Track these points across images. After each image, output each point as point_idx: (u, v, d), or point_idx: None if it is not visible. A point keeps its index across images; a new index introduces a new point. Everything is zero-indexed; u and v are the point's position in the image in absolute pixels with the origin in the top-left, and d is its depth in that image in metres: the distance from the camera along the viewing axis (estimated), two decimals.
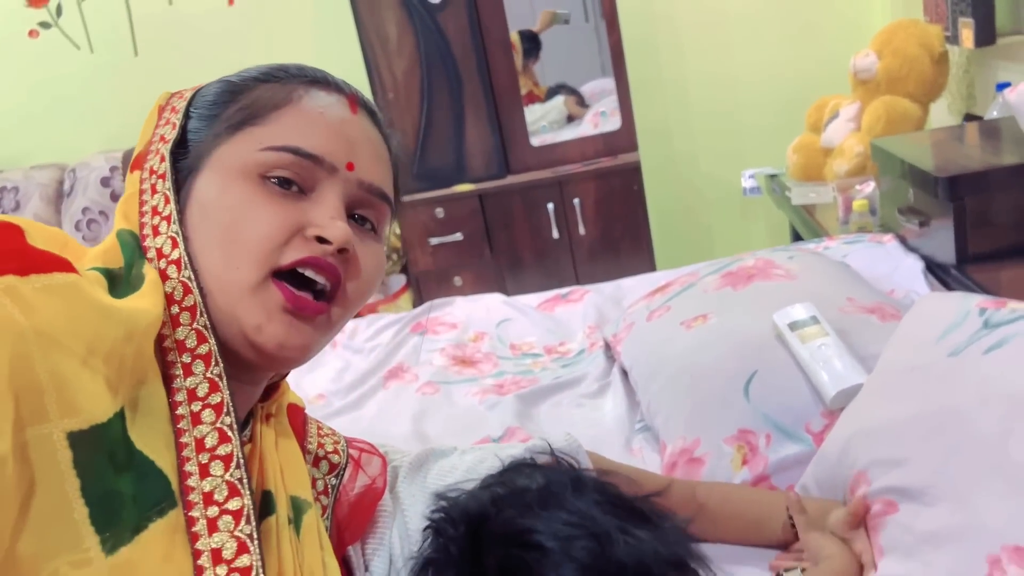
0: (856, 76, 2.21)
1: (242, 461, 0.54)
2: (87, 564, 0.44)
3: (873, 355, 0.96)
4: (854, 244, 1.58)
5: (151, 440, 0.51)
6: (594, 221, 2.69)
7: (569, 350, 1.52)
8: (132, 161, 0.64)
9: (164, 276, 0.57)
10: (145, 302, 0.54)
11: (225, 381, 0.56)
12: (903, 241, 1.55)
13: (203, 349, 0.56)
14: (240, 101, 0.62)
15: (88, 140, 3.06)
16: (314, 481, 0.70)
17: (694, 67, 2.89)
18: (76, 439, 0.45)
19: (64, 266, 0.49)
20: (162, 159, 0.61)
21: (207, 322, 0.56)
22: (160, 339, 0.56)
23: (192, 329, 0.56)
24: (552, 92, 2.90)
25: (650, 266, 2.65)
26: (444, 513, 0.66)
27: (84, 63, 3.01)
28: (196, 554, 0.51)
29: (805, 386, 0.97)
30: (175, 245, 0.58)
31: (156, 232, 0.59)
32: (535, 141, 2.76)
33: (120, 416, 0.48)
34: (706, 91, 2.90)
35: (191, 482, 0.53)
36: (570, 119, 2.84)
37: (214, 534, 0.52)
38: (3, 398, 0.42)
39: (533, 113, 2.79)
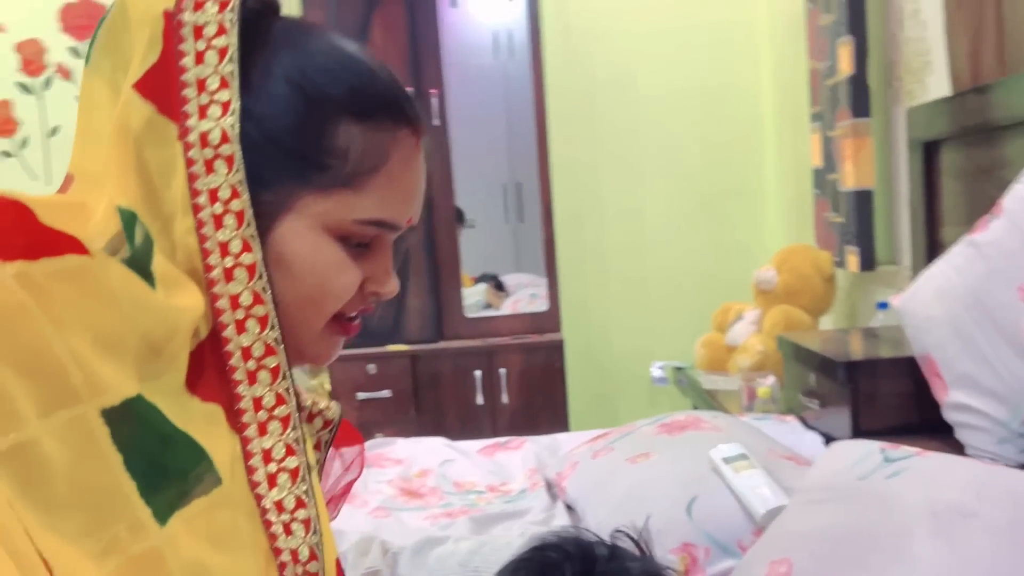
0: (758, 287, 2.55)
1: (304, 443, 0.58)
2: (143, 532, 0.46)
3: (793, 488, 1.15)
4: (761, 421, 1.81)
5: (186, 415, 0.52)
6: (517, 391, 2.87)
7: (511, 489, 1.65)
8: (138, 82, 0.57)
9: (226, 276, 0.56)
10: (188, 297, 0.54)
11: (294, 400, 0.58)
12: (803, 421, 1.79)
13: (271, 362, 0.57)
14: (327, 141, 0.59)
15: None
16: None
17: (614, 266, 3.22)
18: (111, 415, 0.46)
19: (75, 246, 0.49)
20: (224, 137, 0.56)
21: (278, 336, 0.57)
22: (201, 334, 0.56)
23: (261, 340, 0.57)
24: (479, 279, 3.17)
25: None
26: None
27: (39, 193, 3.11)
28: (247, 456, 0.56)
29: (738, 509, 1.15)
30: (247, 249, 0.56)
31: (220, 224, 0.56)
32: (468, 313, 2.98)
33: (142, 399, 0.49)
34: (623, 288, 3.22)
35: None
36: (487, 306, 3.10)
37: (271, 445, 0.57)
38: (21, 382, 0.43)
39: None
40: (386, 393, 2.84)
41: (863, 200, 2.22)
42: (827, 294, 2.48)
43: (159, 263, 0.55)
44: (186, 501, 0.49)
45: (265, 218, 0.58)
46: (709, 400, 2.45)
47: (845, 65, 2.22)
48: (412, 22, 2.84)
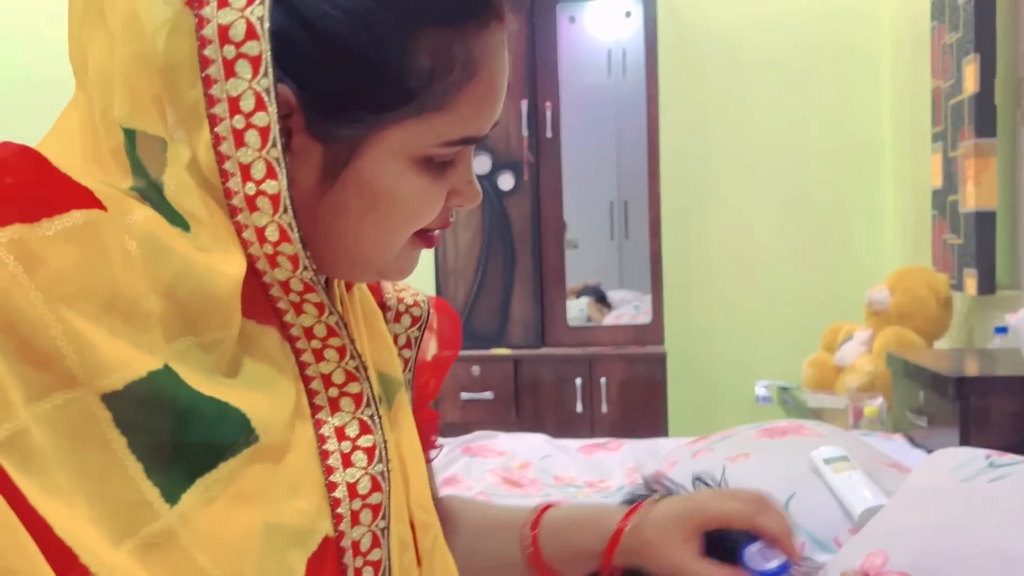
0: (870, 307, 2.51)
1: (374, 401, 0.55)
2: (151, 513, 0.43)
3: (893, 491, 1.15)
4: (867, 436, 1.79)
5: (233, 381, 0.48)
6: (617, 401, 2.89)
7: (609, 486, 1.69)
8: None
9: (248, 205, 0.48)
10: (230, 264, 0.48)
11: (343, 326, 0.54)
12: (910, 439, 1.76)
13: (313, 297, 0.52)
14: (410, 61, 0.50)
15: None
16: (396, 337, 0.66)
17: (721, 282, 3.21)
18: (112, 399, 0.42)
19: (83, 199, 0.43)
20: (250, 32, 0.47)
21: (314, 276, 0.51)
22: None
23: (296, 278, 0.51)
24: (582, 293, 3.21)
25: None
26: None
27: None
28: (306, 380, 0.53)
29: (836, 507, 1.16)
30: (272, 175, 0.48)
31: (241, 141, 0.48)
32: (571, 322, 3.03)
33: (165, 370, 0.44)
34: (729, 305, 3.21)
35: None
36: (589, 320, 3.13)
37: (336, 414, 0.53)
38: (11, 368, 0.39)
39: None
40: (488, 395, 2.92)
41: (984, 222, 2.16)
42: (942, 317, 2.42)
43: (186, 192, 0.48)
44: (205, 470, 0.45)
45: (337, 157, 0.51)
46: (814, 419, 2.42)
47: (970, 83, 2.17)
48: (532, 36, 2.93)
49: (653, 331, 2.97)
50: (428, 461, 0.72)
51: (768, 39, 3.12)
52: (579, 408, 2.89)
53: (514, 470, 1.78)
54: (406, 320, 0.67)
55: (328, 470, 0.52)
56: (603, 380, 2.88)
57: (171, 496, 0.43)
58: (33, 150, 0.44)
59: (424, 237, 0.57)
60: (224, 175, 0.48)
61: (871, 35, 3.09)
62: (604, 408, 2.88)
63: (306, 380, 0.53)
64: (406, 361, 0.67)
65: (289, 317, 0.52)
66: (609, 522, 0.68)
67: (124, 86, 0.48)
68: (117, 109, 0.48)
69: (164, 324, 0.45)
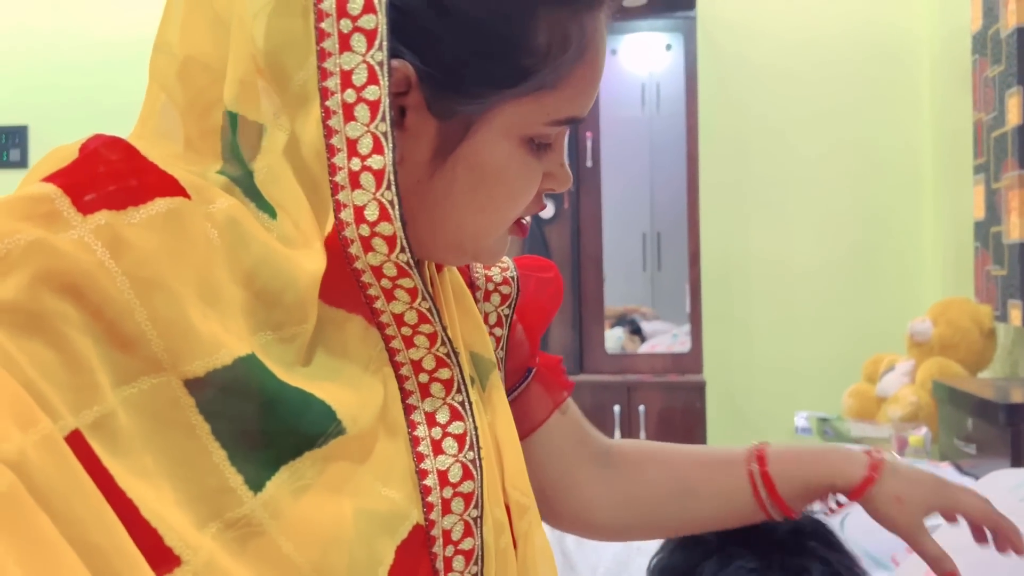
0: (912, 338, 2.50)
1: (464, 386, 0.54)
2: (235, 499, 0.43)
3: None
4: (914, 464, 1.78)
5: (313, 372, 0.48)
6: (655, 430, 2.89)
7: None
8: None
9: (351, 182, 0.48)
10: (310, 259, 0.48)
11: (435, 312, 0.52)
12: (958, 468, 1.75)
13: (407, 283, 0.51)
14: (529, 38, 0.51)
15: None
16: (486, 316, 0.66)
17: (759, 312, 3.22)
18: (195, 385, 0.42)
19: (168, 187, 0.44)
20: (368, 5, 0.47)
21: (410, 259, 0.50)
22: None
23: (391, 262, 0.50)
24: (617, 323, 3.23)
25: None
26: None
27: None
28: (396, 366, 0.53)
29: None
30: (378, 149, 0.48)
31: (350, 115, 0.48)
32: (610, 349, 3.05)
33: (251, 358, 0.44)
34: (768, 335, 3.20)
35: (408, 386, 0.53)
36: (623, 351, 3.14)
37: (426, 399, 0.53)
38: (100, 350, 0.40)
39: None
40: None
41: None
42: (986, 349, 2.41)
43: (276, 179, 0.48)
44: (290, 459, 0.45)
45: (452, 134, 0.51)
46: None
47: (1014, 116, 2.19)
48: None
49: (692, 360, 2.97)
50: (558, 408, 0.75)
51: (808, 71, 3.15)
52: (617, 435, 2.89)
53: None
54: (495, 299, 0.67)
55: (418, 457, 0.52)
56: (641, 408, 2.88)
57: (256, 484, 0.43)
58: (123, 140, 0.45)
59: (518, 224, 0.58)
60: (331, 150, 0.48)
61: (911, 67, 3.11)
62: (643, 436, 2.88)
63: (396, 366, 0.53)
64: (498, 340, 0.67)
65: (380, 304, 0.51)
66: (852, 467, 0.72)
67: (232, 70, 0.48)
68: (226, 92, 0.49)
69: (247, 314, 0.45)
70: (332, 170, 0.48)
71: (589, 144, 3.00)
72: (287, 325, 0.47)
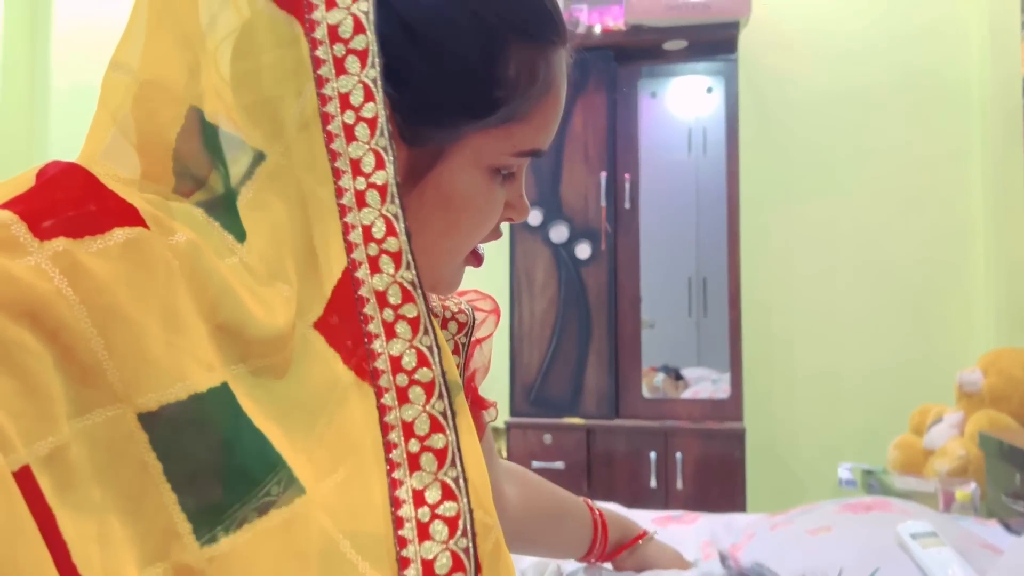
0: (961, 388, 2.40)
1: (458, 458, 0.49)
2: (182, 548, 0.40)
3: (988, 570, 1.08)
4: (959, 521, 1.69)
5: (278, 416, 0.45)
6: (693, 478, 2.81)
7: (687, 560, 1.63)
8: None
9: (357, 201, 0.48)
10: (271, 301, 0.46)
11: (436, 353, 0.48)
12: (1007, 526, 1.65)
13: (409, 311, 0.48)
14: (499, 71, 0.52)
15: None
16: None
17: (802, 359, 3.13)
18: (148, 420, 0.40)
19: (127, 217, 0.42)
20: (357, 26, 0.48)
21: (415, 278, 0.48)
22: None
23: (396, 282, 0.48)
24: (659, 370, 3.16)
25: None
26: None
27: None
28: (385, 428, 0.47)
29: None
30: (380, 165, 0.48)
31: (352, 136, 0.48)
32: (647, 394, 2.99)
33: (216, 392, 0.42)
34: (811, 383, 3.11)
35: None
36: (664, 395, 3.08)
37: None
38: (50, 383, 0.38)
39: None
40: (559, 464, 2.88)
41: None
42: None
43: (258, 204, 0.47)
44: (246, 517, 0.41)
45: (421, 162, 0.53)
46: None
47: None
48: (612, 109, 2.98)
49: (731, 407, 2.89)
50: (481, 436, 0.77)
51: (853, 112, 3.09)
52: (653, 483, 2.82)
53: None
54: (452, 326, 0.68)
55: (401, 542, 0.46)
56: (679, 455, 2.81)
57: (204, 536, 0.40)
58: (81, 167, 0.44)
59: (474, 253, 0.60)
60: (336, 174, 0.48)
61: (961, 110, 3.03)
62: (679, 484, 2.80)
63: (384, 429, 0.47)
64: (457, 366, 0.67)
65: (378, 344, 0.48)
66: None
67: (211, 91, 0.48)
68: (207, 110, 0.48)
69: (216, 345, 0.43)
70: (339, 193, 0.48)
71: (627, 186, 2.97)
72: (252, 358, 0.45)
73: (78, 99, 2.81)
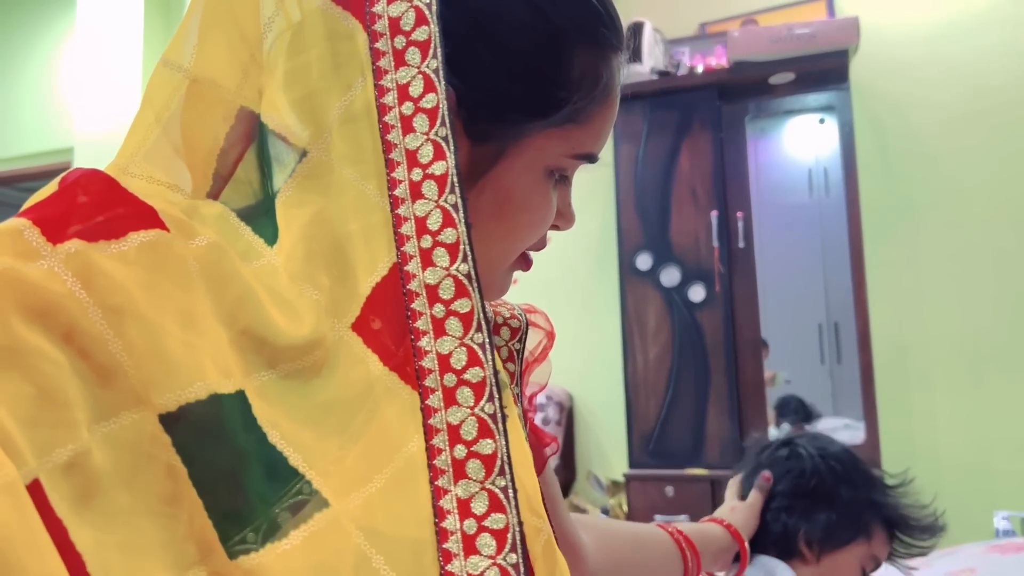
0: None
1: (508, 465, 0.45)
2: (217, 558, 0.39)
3: None
4: None
5: (297, 429, 0.42)
6: None
7: None
8: None
9: (412, 193, 0.46)
10: (300, 322, 0.44)
11: (489, 351, 0.45)
12: None
13: (462, 306, 0.45)
14: (564, 72, 0.52)
15: None
16: (498, 349, 0.64)
17: (945, 400, 2.90)
18: (169, 421, 0.39)
19: (146, 220, 0.42)
20: (420, 18, 0.48)
21: (471, 271, 0.46)
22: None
23: (451, 276, 0.46)
24: (781, 420, 3.01)
25: None
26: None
27: None
28: (429, 432, 0.44)
29: None
30: (440, 155, 0.46)
31: (409, 127, 0.47)
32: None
33: (234, 398, 0.40)
34: (957, 425, 2.88)
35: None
36: None
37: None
38: (67, 388, 0.37)
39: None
40: (683, 517, 2.75)
41: None
42: None
43: (295, 203, 0.46)
44: (273, 532, 0.40)
45: (483, 159, 0.52)
46: None
47: None
48: (719, 148, 2.91)
49: (867, 451, 2.70)
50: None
51: (982, 132, 2.90)
52: None
53: None
54: (505, 332, 0.66)
55: (445, 556, 0.42)
56: None
57: (232, 548, 0.39)
58: (101, 172, 0.44)
59: (524, 257, 0.59)
60: (391, 165, 0.47)
61: None
62: None
63: (428, 433, 0.44)
64: (512, 375, 0.65)
65: (425, 342, 0.45)
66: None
67: (267, 91, 0.48)
68: (264, 112, 0.48)
69: (237, 351, 0.42)
70: (392, 184, 0.47)
71: (740, 224, 2.88)
72: (282, 363, 0.43)
73: None
